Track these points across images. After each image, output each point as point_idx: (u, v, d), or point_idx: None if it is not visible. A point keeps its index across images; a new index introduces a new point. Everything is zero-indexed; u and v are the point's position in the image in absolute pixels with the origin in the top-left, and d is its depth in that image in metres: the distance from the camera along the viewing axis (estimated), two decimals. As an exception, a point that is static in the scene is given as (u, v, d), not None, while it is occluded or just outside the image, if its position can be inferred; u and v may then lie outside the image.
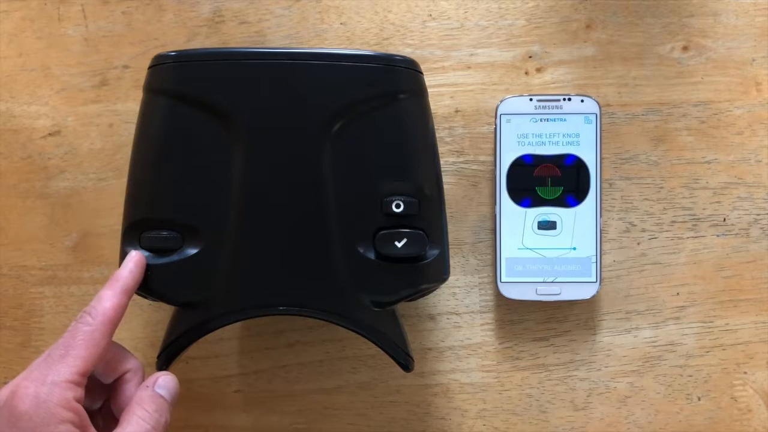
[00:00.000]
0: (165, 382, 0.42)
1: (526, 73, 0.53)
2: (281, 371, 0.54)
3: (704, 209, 0.53)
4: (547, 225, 0.51)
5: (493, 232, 0.52)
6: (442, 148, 0.52)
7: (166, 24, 0.54)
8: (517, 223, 0.51)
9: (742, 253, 0.53)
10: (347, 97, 0.44)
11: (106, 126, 0.54)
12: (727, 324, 0.53)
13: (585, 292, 0.51)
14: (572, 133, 0.51)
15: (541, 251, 0.51)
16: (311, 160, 0.44)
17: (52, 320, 0.54)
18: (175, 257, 0.44)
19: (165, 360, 0.45)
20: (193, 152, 0.44)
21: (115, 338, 0.53)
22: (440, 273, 0.46)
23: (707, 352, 0.53)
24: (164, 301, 0.45)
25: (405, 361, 0.46)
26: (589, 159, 0.51)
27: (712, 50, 0.53)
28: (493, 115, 0.53)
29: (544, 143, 0.52)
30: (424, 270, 0.45)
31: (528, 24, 0.53)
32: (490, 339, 0.53)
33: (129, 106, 0.54)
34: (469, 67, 0.53)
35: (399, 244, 0.44)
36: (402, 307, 0.50)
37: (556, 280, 0.51)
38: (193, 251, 0.44)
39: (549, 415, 0.53)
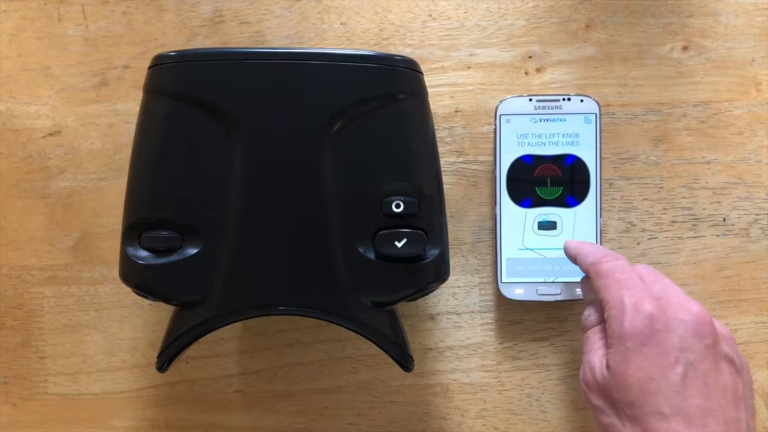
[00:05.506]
0: None
1: (526, 73, 0.53)
2: (281, 371, 0.54)
3: (704, 209, 0.53)
4: (548, 225, 0.51)
5: (493, 232, 0.52)
6: (442, 148, 0.52)
7: (166, 24, 0.54)
8: (517, 223, 0.51)
9: (742, 253, 0.53)
10: (347, 97, 0.44)
11: (106, 126, 0.54)
12: (727, 324, 0.53)
13: (585, 292, 0.51)
14: (572, 133, 0.51)
15: (541, 251, 0.51)
16: (311, 160, 0.44)
17: (52, 320, 0.54)
18: (175, 257, 0.44)
19: (165, 360, 0.45)
20: (193, 152, 0.44)
21: (114, 338, 0.53)
22: (440, 273, 0.46)
23: (707, 352, 0.53)
24: (164, 301, 0.45)
25: (405, 361, 0.46)
26: (589, 159, 0.51)
27: (712, 50, 0.53)
28: (493, 115, 0.53)
29: (544, 143, 0.52)
30: (424, 270, 0.45)
31: (528, 24, 0.53)
32: (490, 339, 0.53)
33: (129, 106, 0.54)
34: (469, 67, 0.53)
35: (399, 244, 0.44)
36: (402, 307, 0.50)
37: (556, 280, 0.51)
38: (193, 251, 0.44)
39: (549, 415, 0.53)
